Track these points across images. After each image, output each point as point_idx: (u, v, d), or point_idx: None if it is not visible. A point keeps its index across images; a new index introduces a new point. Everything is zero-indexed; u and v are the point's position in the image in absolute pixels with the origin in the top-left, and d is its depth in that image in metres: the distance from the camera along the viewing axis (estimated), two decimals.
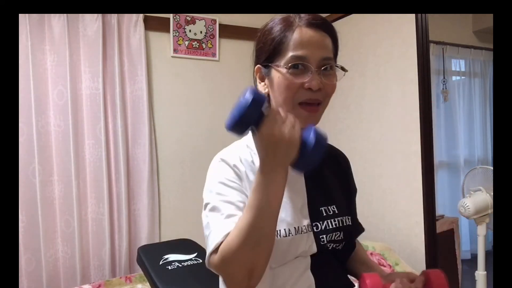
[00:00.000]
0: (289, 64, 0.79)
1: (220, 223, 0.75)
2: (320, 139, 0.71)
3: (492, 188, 2.07)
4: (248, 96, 0.68)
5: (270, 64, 0.83)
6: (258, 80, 0.88)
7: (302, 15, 0.83)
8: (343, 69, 0.85)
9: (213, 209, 0.79)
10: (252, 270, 0.71)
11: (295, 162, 0.72)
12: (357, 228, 0.98)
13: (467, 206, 2.15)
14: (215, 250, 0.73)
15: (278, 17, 0.85)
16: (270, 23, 0.85)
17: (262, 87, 0.87)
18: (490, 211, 2.12)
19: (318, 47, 0.80)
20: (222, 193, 0.80)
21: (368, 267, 0.96)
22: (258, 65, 0.86)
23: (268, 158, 0.71)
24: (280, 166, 0.71)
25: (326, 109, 0.85)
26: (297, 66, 0.79)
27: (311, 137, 0.70)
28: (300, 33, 0.80)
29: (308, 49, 0.79)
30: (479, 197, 2.16)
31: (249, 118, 0.68)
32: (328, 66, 0.81)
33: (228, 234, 0.72)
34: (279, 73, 0.81)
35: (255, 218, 0.69)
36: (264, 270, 0.74)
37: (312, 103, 0.81)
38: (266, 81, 0.85)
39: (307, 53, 0.79)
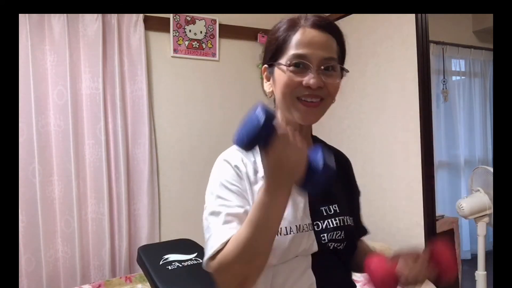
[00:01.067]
0: (290, 62, 0.81)
1: (219, 229, 0.77)
2: (327, 162, 0.70)
3: (490, 188, 2.07)
4: (260, 116, 0.66)
5: (273, 63, 0.85)
6: (264, 79, 0.90)
7: (309, 16, 0.84)
8: (343, 69, 0.85)
9: (213, 213, 0.80)
10: (244, 281, 0.74)
11: (302, 183, 0.71)
12: (360, 230, 0.98)
13: (461, 207, 2.17)
14: (213, 256, 0.75)
15: (287, 17, 0.87)
16: (278, 23, 0.87)
17: (267, 86, 0.89)
18: (489, 211, 2.12)
19: (320, 47, 0.81)
20: (222, 197, 0.81)
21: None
22: (265, 65, 0.89)
23: (273, 178, 0.71)
24: (284, 188, 0.72)
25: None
26: (298, 64, 0.81)
27: (319, 161, 0.69)
28: (303, 33, 0.82)
29: (309, 49, 0.80)
30: (476, 198, 2.16)
31: (258, 139, 0.68)
32: (330, 66, 0.82)
33: (226, 242, 0.74)
34: (280, 71, 0.83)
35: (252, 236, 0.71)
36: (256, 281, 0.76)
37: (312, 100, 0.82)
38: (271, 80, 0.87)
39: (308, 52, 0.80)
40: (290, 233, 0.81)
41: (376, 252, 0.91)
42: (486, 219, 2.15)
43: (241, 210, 0.79)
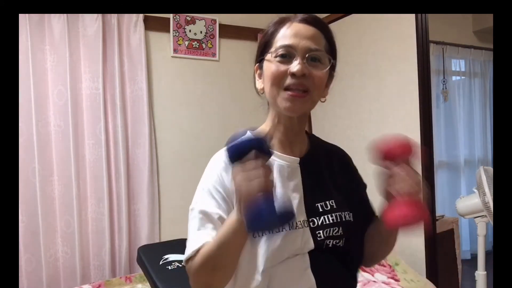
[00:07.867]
0: (277, 52, 0.82)
1: (193, 235, 0.83)
2: (283, 212, 0.67)
3: (486, 189, 2.06)
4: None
5: (262, 58, 0.86)
6: (256, 78, 0.91)
7: (299, 14, 0.86)
8: (330, 60, 0.85)
9: (193, 217, 0.85)
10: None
11: (247, 220, 0.67)
12: (367, 220, 0.96)
13: (455, 207, 2.17)
14: (188, 260, 0.82)
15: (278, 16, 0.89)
16: (270, 22, 0.89)
17: (259, 84, 0.90)
18: (484, 212, 2.11)
19: (305, 38, 0.82)
20: (204, 201, 0.85)
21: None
22: (256, 64, 0.90)
23: (238, 202, 0.71)
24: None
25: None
26: (285, 55, 0.82)
27: (270, 206, 0.66)
28: (290, 27, 0.84)
29: (295, 39, 0.82)
30: (472, 199, 2.16)
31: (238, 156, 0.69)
32: (316, 57, 0.82)
33: (198, 249, 0.79)
34: (268, 62, 0.84)
35: (216, 250, 0.76)
36: None
37: (297, 89, 0.81)
38: (262, 76, 0.89)
39: (294, 42, 0.82)
40: (282, 230, 0.80)
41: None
42: (486, 219, 2.14)
43: (216, 217, 0.82)
